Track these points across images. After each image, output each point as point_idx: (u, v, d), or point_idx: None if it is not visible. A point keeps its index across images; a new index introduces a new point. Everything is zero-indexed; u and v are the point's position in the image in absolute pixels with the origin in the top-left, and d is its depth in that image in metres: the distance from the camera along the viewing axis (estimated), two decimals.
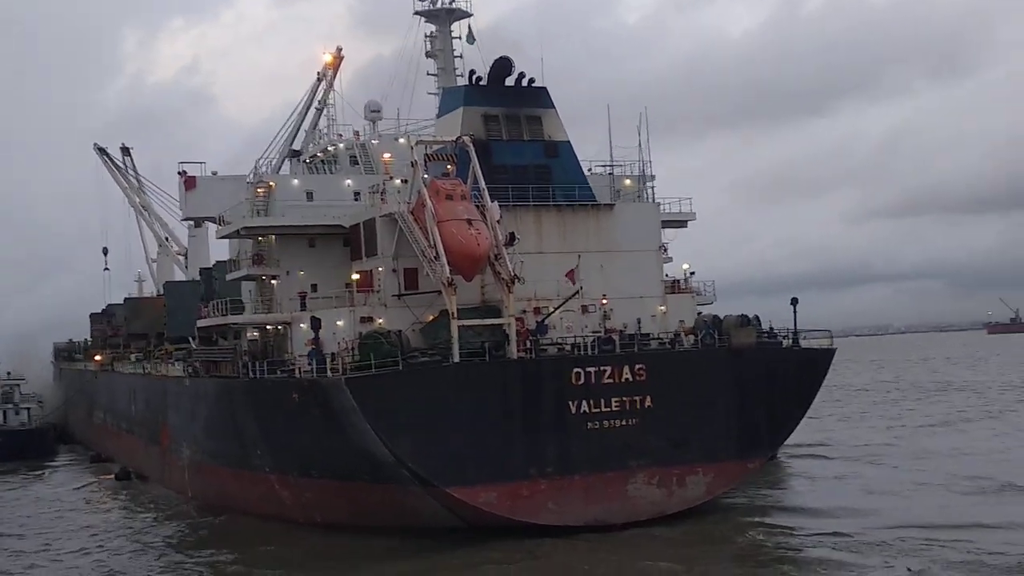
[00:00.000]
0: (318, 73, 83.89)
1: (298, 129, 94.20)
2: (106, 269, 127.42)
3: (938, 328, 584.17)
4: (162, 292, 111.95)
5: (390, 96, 67.67)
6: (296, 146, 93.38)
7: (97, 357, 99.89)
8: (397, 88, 66.90)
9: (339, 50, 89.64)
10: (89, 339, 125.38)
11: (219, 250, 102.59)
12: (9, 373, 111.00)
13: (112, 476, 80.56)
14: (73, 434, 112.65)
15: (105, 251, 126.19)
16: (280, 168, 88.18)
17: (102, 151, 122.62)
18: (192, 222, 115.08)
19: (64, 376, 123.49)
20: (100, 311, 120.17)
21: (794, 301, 56.60)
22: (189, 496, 65.92)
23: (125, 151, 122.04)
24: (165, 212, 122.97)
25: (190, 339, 69.55)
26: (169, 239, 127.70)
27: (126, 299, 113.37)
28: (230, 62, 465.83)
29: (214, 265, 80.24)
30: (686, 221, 64.57)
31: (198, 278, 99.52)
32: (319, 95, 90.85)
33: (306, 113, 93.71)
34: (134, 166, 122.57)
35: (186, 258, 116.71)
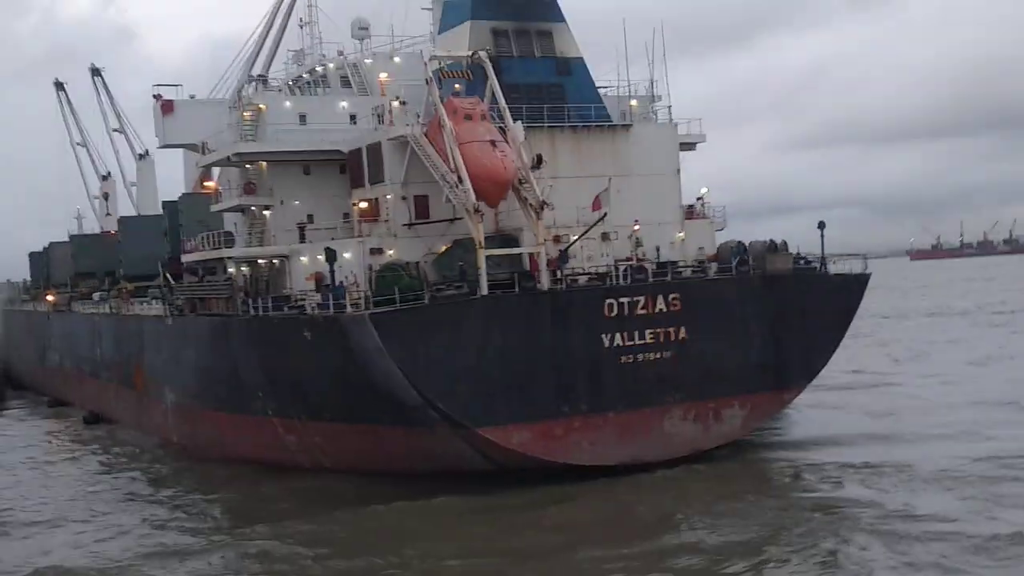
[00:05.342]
0: None
1: (258, 53, 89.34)
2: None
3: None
4: (106, 229, 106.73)
5: (370, 12, 63.37)
6: (255, 72, 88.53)
7: (50, 297, 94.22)
8: (373, 3, 62.76)
9: None
10: (29, 279, 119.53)
11: (168, 184, 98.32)
12: None
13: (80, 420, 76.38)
14: (20, 378, 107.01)
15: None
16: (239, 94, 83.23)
17: (60, 86, 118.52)
18: (139, 155, 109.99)
19: (7, 317, 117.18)
20: (41, 250, 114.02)
21: (821, 225, 54.30)
22: (174, 441, 62.04)
23: (95, 72, 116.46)
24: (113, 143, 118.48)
25: (166, 276, 64.76)
26: (111, 174, 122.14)
27: (72, 236, 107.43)
28: None
29: (180, 197, 75.57)
30: (695, 143, 61.48)
31: (151, 213, 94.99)
32: (281, 13, 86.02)
33: (266, 36, 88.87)
34: (107, 90, 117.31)
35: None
